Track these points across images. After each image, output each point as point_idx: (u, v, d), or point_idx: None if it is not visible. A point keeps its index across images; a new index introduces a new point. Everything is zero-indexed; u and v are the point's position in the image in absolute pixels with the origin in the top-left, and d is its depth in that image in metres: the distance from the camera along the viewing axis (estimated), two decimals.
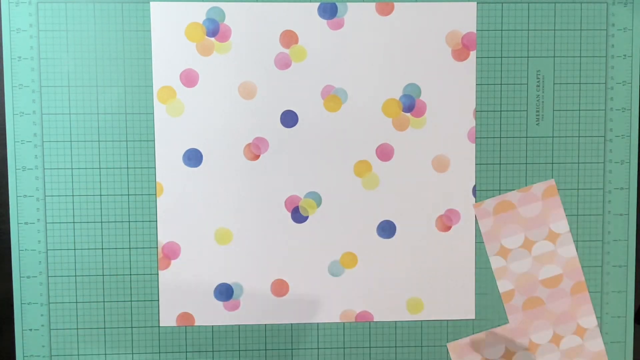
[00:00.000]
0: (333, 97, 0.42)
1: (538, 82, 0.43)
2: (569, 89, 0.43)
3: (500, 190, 0.43)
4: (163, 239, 0.42)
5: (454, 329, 0.44)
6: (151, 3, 0.41)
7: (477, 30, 0.42)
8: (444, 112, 0.42)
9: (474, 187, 0.43)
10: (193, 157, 0.42)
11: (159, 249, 0.42)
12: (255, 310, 0.43)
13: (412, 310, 0.43)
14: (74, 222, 0.42)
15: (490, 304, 0.44)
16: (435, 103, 0.42)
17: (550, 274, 0.43)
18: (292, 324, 0.43)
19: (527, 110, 0.43)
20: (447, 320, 0.44)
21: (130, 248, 0.42)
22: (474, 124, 0.43)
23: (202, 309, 0.43)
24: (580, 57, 0.43)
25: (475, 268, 0.43)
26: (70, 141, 0.41)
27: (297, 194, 0.42)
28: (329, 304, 0.43)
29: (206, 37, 0.41)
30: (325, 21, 0.42)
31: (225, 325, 0.43)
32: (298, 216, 0.43)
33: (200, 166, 0.42)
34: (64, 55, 0.41)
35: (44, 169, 0.41)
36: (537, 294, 0.43)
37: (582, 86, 0.43)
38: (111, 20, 0.41)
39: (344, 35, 0.42)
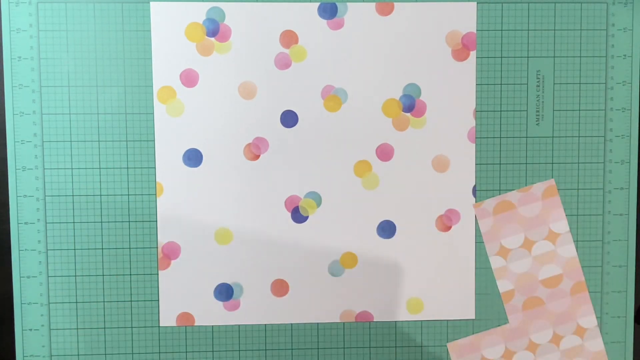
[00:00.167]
0: (333, 97, 0.42)
1: (538, 82, 0.43)
2: (569, 89, 0.43)
3: (500, 190, 0.43)
4: (163, 239, 0.42)
5: (454, 329, 0.44)
6: (151, 3, 0.41)
7: (477, 30, 0.42)
8: (444, 112, 0.42)
9: (474, 187, 0.43)
10: (193, 157, 0.42)
11: (159, 249, 0.42)
12: (255, 310, 0.43)
13: (412, 310, 0.43)
14: (74, 222, 0.42)
15: (490, 304, 0.44)
16: (435, 103, 0.42)
17: (550, 274, 0.43)
18: (292, 324, 0.43)
19: (527, 110, 0.43)
20: (447, 320, 0.44)
21: (130, 248, 0.42)
22: (474, 124, 0.43)
23: (202, 309, 0.43)
24: (580, 57, 0.43)
25: (475, 268, 0.43)
26: (70, 141, 0.41)
27: (297, 194, 0.42)
28: (329, 304, 0.43)
29: (206, 37, 0.41)
30: (325, 21, 0.42)
31: (225, 325, 0.43)
32: (298, 216, 0.43)
33: (200, 166, 0.42)
34: (64, 55, 0.41)
35: (44, 169, 0.41)
36: (537, 294, 0.43)
37: (582, 86, 0.43)
38: (111, 20, 0.41)
39: (344, 35, 0.42)
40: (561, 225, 0.43)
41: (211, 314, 0.43)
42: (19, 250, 0.42)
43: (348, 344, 0.43)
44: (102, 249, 0.42)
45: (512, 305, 0.43)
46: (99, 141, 0.41)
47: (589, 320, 0.44)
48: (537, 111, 0.43)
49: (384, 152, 0.43)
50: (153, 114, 0.42)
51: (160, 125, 0.42)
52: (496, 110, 0.43)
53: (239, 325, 0.43)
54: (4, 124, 0.41)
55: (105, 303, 0.42)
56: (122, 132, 0.42)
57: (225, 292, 0.43)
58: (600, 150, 0.43)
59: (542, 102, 0.43)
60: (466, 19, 0.42)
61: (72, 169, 0.41)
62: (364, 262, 0.43)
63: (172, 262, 0.42)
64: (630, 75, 0.43)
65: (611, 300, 0.44)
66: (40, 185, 0.41)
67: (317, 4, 0.41)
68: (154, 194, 0.42)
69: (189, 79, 0.41)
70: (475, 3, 0.42)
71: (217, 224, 0.42)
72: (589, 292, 0.44)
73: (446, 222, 0.43)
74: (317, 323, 0.43)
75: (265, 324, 0.43)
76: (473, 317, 0.44)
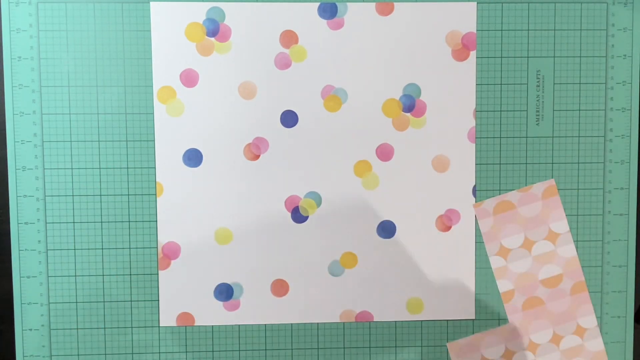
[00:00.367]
0: (333, 97, 0.42)
1: (538, 82, 0.43)
2: (569, 89, 0.43)
3: (500, 190, 0.43)
4: (163, 239, 0.42)
5: (454, 329, 0.44)
6: (151, 3, 0.41)
7: (477, 30, 0.42)
8: (444, 112, 0.42)
9: (474, 187, 0.43)
10: (193, 157, 0.42)
11: (159, 249, 0.42)
12: (255, 310, 0.43)
13: (412, 310, 0.43)
14: (74, 222, 0.42)
15: (490, 304, 0.44)
16: (435, 103, 0.42)
17: (550, 274, 0.43)
18: (292, 324, 0.43)
19: (527, 110, 0.43)
20: (447, 320, 0.44)
21: (130, 248, 0.42)
22: (474, 124, 0.43)
23: (202, 309, 0.43)
24: (580, 57, 0.43)
25: (475, 268, 0.43)
26: (70, 141, 0.41)
27: (297, 194, 0.42)
28: (329, 304, 0.43)
29: (206, 37, 0.41)
30: (325, 21, 0.42)
31: (225, 325, 0.43)
32: (298, 216, 0.43)
33: (200, 166, 0.42)
34: (64, 55, 0.41)
35: (44, 169, 0.41)
36: (537, 294, 0.43)
37: (582, 86, 0.43)
38: (111, 20, 0.41)
39: (344, 35, 0.42)
40: (561, 225, 0.43)
41: (211, 314, 0.43)
42: (19, 250, 0.42)
43: (348, 344, 0.43)
44: (102, 249, 0.42)
45: (512, 305, 0.43)
46: (99, 141, 0.41)
47: (589, 320, 0.44)
48: (537, 111, 0.43)
49: (384, 152, 0.43)
50: (153, 114, 0.42)
51: (160, 125, 0.42)
52: (496, 110, 0.43)
53: (239, 325, 0.43)
54: (4, 124, 0.41)
55: (105, 303, 0.42)
56: (122, 132, 0.42)
57: (225, 292, 0.43)
58: (600, 150, 0.43)
59: (542, 102, 0.43)
60: (466, 19, 0.42)
61: (72, 169, 0.41)
62: (364, 262, 0.43)
63: (172, 262, 0.42)
64: (630, 75, 0.43)
65: (611, 300, 0.44)
66: (40, 185, 0.41)
67: (317, 4, 0.41)
68: (154, 194, 0.42)
69: (189, 79, 0.41)
70: (475, 3, 0.42)
71: (217, 224, 0.42)
72: (589, 292, 0.44)
73: (446, 222, 0.43)
74: (317, 323, 0.43)
75: (265, 324, 0.43)
76: (473, 317, 0.44)
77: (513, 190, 0.43)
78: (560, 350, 0.44)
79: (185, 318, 0.43)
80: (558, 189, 0.43)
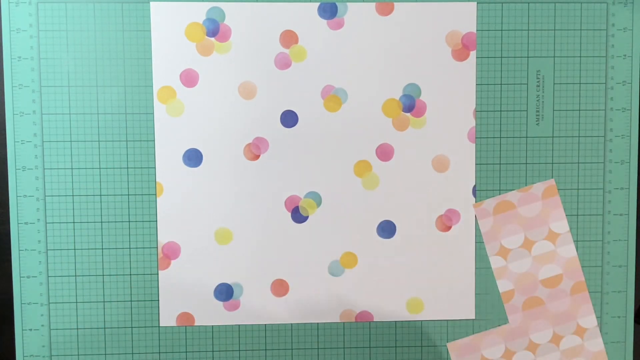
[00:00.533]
0: (333, 97, 0.42)
1: (538, 82, 0.43)
2: (569, 89, 0.43)
3: (500, 190, 0.43)
4: (163, 239, 0.42)
5: (454, 329, 0.44)
6: (151, 3, 0.41)
7: (477, 30, 0.42)
8: (444, 112, 0.42)
9: (474, 187, 0.43)
10: (193, 157, 0.42)
11: (159, 249, 0.42)
12: (255, 310, 0.43)
13: (412, 310, 0.43)
14: (74, 222, 0.42)
15: (490, 304, 0.44)
16: (435, 103, 0.42)
17: (550, 274, 0.43)
18: (292, 324, 0.43)
19: (527, 110, 0.43)
20: (447, 320, 0.44)
21: (130, 248, 0.42)
22: (474, 124, 0.43)
23: (202, 309, 0.43)
24: (580, 57, 0.43)
25: (475, 268, 0.43)
26: (70, 141, 0.41)
27: (297, 194, 0.42)
28: (329, 304, 0.43)
29: (206, 37, 0.41)
30: (325, 21, 0.42)
31: (225, 325, 0.43)
32: (298, 216, 0.43)
33: (200, 166, 0.42)
34: (64, 55, 0.41)
35: (44, 169, 0.41)
36: (537, 294, 0.43)
37: (582, 86, 0.43)
38: (111, 20, 0.41)
39: (344, 35, 0.42)
40: (561, 225, 0.43)
41: (211, 314, 0.43)
42: (19, 250, 0.42)
43: (348, 344, 0.43)
44: (102, 249, 0.42)
45: (512, 305, 0.43)
46: (99, 141, 0.41)
47: (589, 320, 0.44)
48: (537, 111, 0.43)
49: (384, 152, 0.43)
50: (153, 114, 0.42)
51: (160, 125, 0.42)
52: (496, 110, 0.43)
53: (239, 325, 0.43)
54: (4, 124, 0.41)
55: (105, 303, 0.42)
56: (122, 132, 0.42)
57: (225, 292, 0.43)
58: (600, 150, 0.43)
59: (542, 102, 0.43)
60: (466, 19, 0.42)
61: (72, 169, 0.41)
62: (364, 262, 0.43)
63: (172, 262, 0.42)
64: (630, 75, 0.43)
65: (611, 300, 0.44)
66: (40, 185, 0.41)
67: (317, 4, 0.41)
68: (154, 194, 0.42)
69: (189, 79, 0.41)
70: (475, 3, 0.42)
71: (217, 224, 0.42)
72: (589, 292, 0.44)
73: (446, 222, 0.43)
74: (317, 323, 0.43)
75: (265, 324, 0.43)
76: (473, 317, 0.44)
77: (513, 190, 0.43)
78: (560, 350, 0.44)
79: (185, 318, 0.43)
80: (558, 189, 0.43)
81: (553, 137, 0.43)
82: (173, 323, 0.43)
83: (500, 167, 0.43)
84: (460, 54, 0.42)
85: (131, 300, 0.43)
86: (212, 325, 0.43)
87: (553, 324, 0.44)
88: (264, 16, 0.41)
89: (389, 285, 0.43)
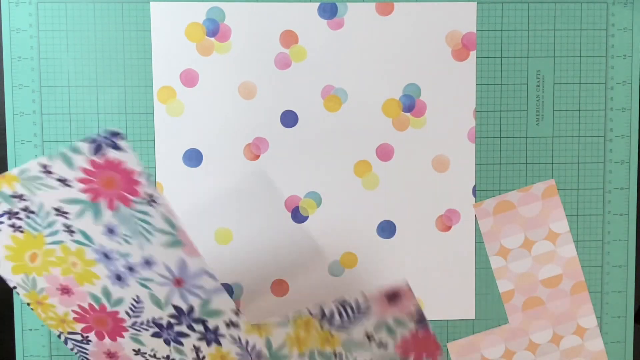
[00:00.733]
0: (333, 97, 0.42)
1: (538, 82, 0.43)
2: (569, 89, 0.43)
3: (500, 190, 0.43)
4: None
5: (454, 329, 0.44)
6: (151, 3, 0.41)
7: (477, 30, 0.42)
8: (444, 112, 0.42)
9: (474, 187, 0.43)
10: (193, 157, 0.42)
11: None
12: (255, 310, 0.43)
13: None
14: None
15: (490, 304, 0.44)
16: (435, 103, 0.42)
17: (550, 274, 0.43)
18: None
19: (527, 110, 0.43)
20: (447, 320, 0.44)
21: None
22: (474, 124, 0.43)
23: None
24: (580, 57, 0.43)
25: (475, 268, 0.43)
26: (70, 141, 0.41)
27: (297, 194, 0.42)
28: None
29: (206, 37, 0.41)
30: (325, 21, 0.42)
31: None
32: (298, 216, 0.43)
33: (200, 166, 0.42)
34: (64, 55, 0.41)
35: None
36: (537, 294, 0.43)
37: (582, 86, 0.43)
38: (111, 20, 0.41)
39: (344, 35, 0.42)
40: (561, 225, 0.43)
41: None
42: None
43: None
44: None
45: (512, 305, 0.43)
46: None
47: (589, 320, 0.44)
48: (537, 111, 0.43)
49: (384, 152, 0.43)
50: (153, 114, 0.42)
51: (160, 125, 0.42)
52: (496, 110, 0.43)
53: None
54: (4, 124, 0.41)
55: None
56: (122, 132, 0.41)
57: None
58: (600, 150, 0.43)
59: (542, 102, 0.43)
60: (466, 19, 0.42)
61: None
62: (364, 262, 0.43)
63: None
64: (630, 75, 0.43)
65: (611, 300, 0.44)
66: None
67: (317, 4, 0.41)
68: None
69: (189, 79, 0.41)
70: (475, 3, 0.42)
71: (217, 224, 0.42)
72: (589, 292, 0.44)
73: (446, 222, 0.43)
74: None
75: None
76: (473, 317, 0.44)
77: (513, 190, 0.43)
78: (560, 350, 0.44)
79: None
80: (558, 189, 0.43)
81: (553, 137, 0.43)
82: None
83: (500, 167, 0.43)
84: (460, 54, 0.42)
85: None
86: None
87: (553, 324, 0.44)
88: (264, 16, 0.41)
89: None
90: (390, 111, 0.42)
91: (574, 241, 0.43)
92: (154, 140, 0.42)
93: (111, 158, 0.28)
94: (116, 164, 0.28)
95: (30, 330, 0.42)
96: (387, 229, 0.43)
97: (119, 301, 0.34)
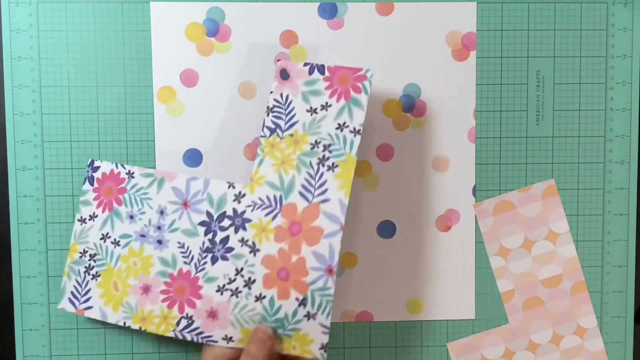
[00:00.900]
0: None
1: (538, 82, 0.43)
2: (569, 89, 0.43)
3: (500, 190, 0.43)
4: None
5: (454, 329, 0.44)
6: (151, 3, 0.41)
7: (477, 30, 0.42)
8: (444, 112, 0.42)
9: (474, 187, 0.43)
10: (193, 157, 0.42)
11: None
12: None
13: (412, 310, 0.43)
14: (74, 222, 0.42)
15: (490, 304, 0.44)
16: (435, 103, 0.42)
17: (550, 274, 0.43)
18: None
19: (527, 110, 0.43)
20: (447, 320, 0.44)
21: None
22: (474, 124, 0.43)
23: None
24: (580, 57, 0.43)
25: (475, 268, 0.43)
26: (70, 141, 0.41)
27: None
28: None
29: (206, 37, 0.41)
30: (325, 21, 0.42)
31: None
32: None
33: (200, 166, 0.42)
34: (64, 55, 0.41)
35: (44, 169, 0.41)
36: (537, 293, 0.43)
37: (582, 86, 0.43)
38: (111, 20, 0.41)
39: (344, 35, 0.42)
40: (561, 225, 0.43)
41: None
42: (19, 250, 0.42)
43: (348, 344, 0.43)
44: None
45: (512, 305, 0.43)
46: (99, 141, 0.41)
47: (589, 320, 0.44)
48: (537, 111, 0.43)
49: (384, 152, 0.43)
50: (153, 114, 0.42)
51: (160, 125, 0.42)
52: (496, 110, 0.43)
53: None
54: (4, 124, 0.41)
55: None
56: (122, 132, 0.42)
57: None
58: (600, 150, 0.43)
59: (542, 102, 0.43)
60: (466, 19, 0.42)
61: (72, 169, 0.41)
62: (364, 262, 0.43)
63: None
64: (630, 75, 0.43)
65: (611, 300, 0.44)
66: (40, 185, 0.41)
67: (317, 4, 0.41)
68: None
69: (189, 79, 0.41)
70: (475, 3, 0.42)
71: None
72: (589, 292, 0.44)
73: (446, 222, 0.43)
74: None
75: None
76: (473, 317, 0.44)
77: (513, 190, 0.43)
78: (560, 350, 0.44)
79: None
80: (558, 189, 0.43)
81: (553, 137, 0.43)
82: None
83: (500, 167, 0.43)
84: (460, 54, 0.42)
85: None
86: None
87: (553, 324, 0.44)
88: (264, 16, 0.41)
89: (389, 285, 0.43)
90: (390, 111, 0.42)
91: (574, 241, 0.43)
92: (154, 140, 0.42)
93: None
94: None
95: (30, 330, 0.42)
96: (387, 229, 0.43)
97: (174, 259, 0.38)
